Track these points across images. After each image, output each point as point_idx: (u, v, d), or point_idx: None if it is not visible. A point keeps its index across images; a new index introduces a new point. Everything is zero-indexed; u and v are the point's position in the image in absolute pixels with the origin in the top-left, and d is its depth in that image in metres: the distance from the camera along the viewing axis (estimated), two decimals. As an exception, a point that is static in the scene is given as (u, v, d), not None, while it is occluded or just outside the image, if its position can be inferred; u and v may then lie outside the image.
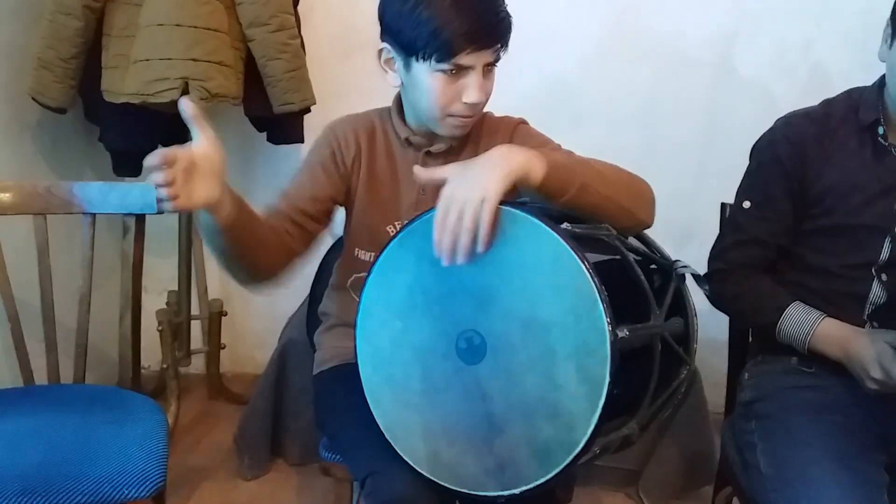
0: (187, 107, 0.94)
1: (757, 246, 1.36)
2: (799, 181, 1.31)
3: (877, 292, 1.28)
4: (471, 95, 1.14)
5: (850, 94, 1.34)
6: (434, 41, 1.09)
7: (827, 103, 1.34)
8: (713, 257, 1.42)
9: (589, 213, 1.07)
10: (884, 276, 1.27)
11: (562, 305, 0.92)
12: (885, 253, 1.27)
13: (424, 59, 1.12)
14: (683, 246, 2.26)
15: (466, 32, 1.09)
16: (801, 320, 1.28)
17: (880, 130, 1.27)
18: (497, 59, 1.16)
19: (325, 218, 1.26)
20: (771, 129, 1.37)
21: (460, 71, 1.13)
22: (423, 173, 1.05)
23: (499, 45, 1.14)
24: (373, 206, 1.28)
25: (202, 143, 0.96)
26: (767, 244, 1.35)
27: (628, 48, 2.26)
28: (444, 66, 1.11)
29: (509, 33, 1.15)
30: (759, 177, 1.36)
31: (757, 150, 1.38)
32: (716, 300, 1.41)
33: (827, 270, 1.31)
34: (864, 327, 1.29)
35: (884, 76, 1.28)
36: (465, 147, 1.29)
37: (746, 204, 1.37)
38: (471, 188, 0.95)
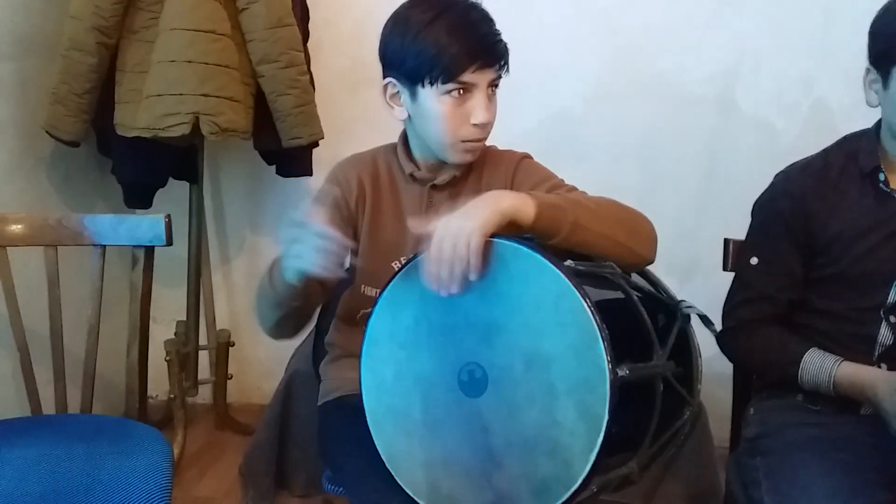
0: None
1: (767, 302, 1.35)
2: (805, 234, 1.30)
3: (885, 334, 1.27)
4: (478, 116, 1.17)
5: (847, 141, 1.33)
6: (439, 63, 1.13)
7: (825, 153, 1.34)
8: (725, 314, 1.41)
9: (587, 251, 1.08)
10: (892, 318, 1.26)
11: (563, 341, 0.93)
12: (892, 297, 1.26)
13: (431, 83, 1.15)
14: (687, 281, 2.28)
15: (469, 51, 1.14)
16: (818, 370, 1.26)
17: (881, 177, 1.27)
18: (498, 80, 1.20)
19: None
20: (772, 185, 1.36)
21: (466, 92, 1.16)
22: (417, 225, 1.05)
23: (500, 64, 1.18)
24: (379, 244, 1.30)
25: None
26: (777, 300, 1.34)
27: (630, 85, 2.28)
28: (450, 86, 1.15)
29: (508, 55, 1.19)
30: (763, 233, 1.36)
31: (759, 207, 1.38)
32: (731, 356, 1.42)
33: (836, 314, 1.30)
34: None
35: (880, 121, 1.28)
36: (468, 178, 1.31)
37: (754, 260, 1.36)
38: (461, 222, 0.97)
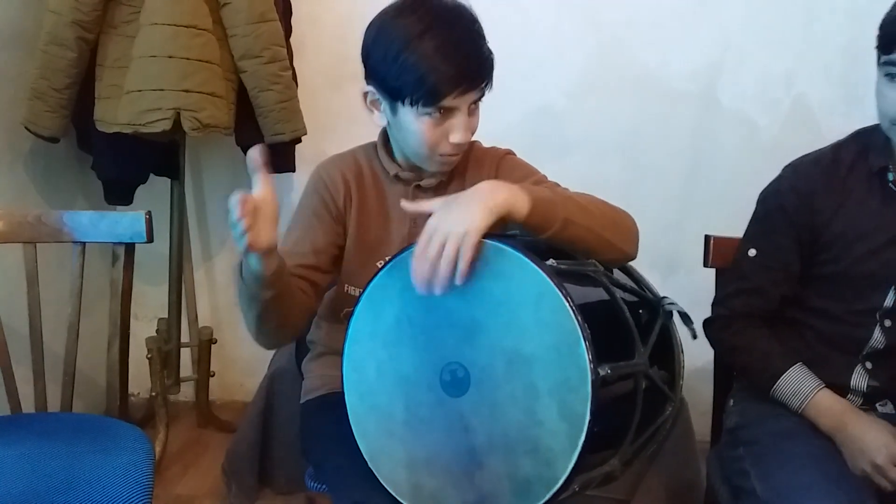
0: (255, 156, 1.00)
1: (760, 296, 1.35)
2: (807, 231, 1.29)
3: (877, 338, 1.28)
4: (457, 136, 1.16)
5: (859, 136, 1.32)
6: (420, 88, 1.11)
7: (836, 148, 1.32)
8: (716, 302, 1.41)
9: (574, 246, 1.08)
10: (887, 323, 1.27)
11: (545, 341, 0.93)
12: (889, 301, 1.26)
13: (411, 104, 1.13)
14: (669, 276, 2.29)
15: (452, 77, 1.11)
16: (797, 389, 1.27)
17: (889, 176, 1.26)
18: (482, 97, 1.18)
19: (331, 266, 1.28)
20: (779, 178, 1.35)
21: (446, 113, 1.15)
22: (410, 206, 1.08)
23: (483, 84, 1.16)
24: (364, 244, 1.29)
25: (264, 191, 1.01)
26: (770, 294, 1.34)
27: (614, 79, 2.28)
28: (430, 109, 1.13)
29: (492, 71, 1.17)
30: (765, 225, 1.35)
31: (763, 198, 1.37)
32: (715, 346, 1.43)
33: (831, 314, 1.31)
34: (856, 367, 1.29)
35: None
36: (452, 179, 1.31)
37: (752, 252, 1.35)
38: (455, 221, 0.97)
